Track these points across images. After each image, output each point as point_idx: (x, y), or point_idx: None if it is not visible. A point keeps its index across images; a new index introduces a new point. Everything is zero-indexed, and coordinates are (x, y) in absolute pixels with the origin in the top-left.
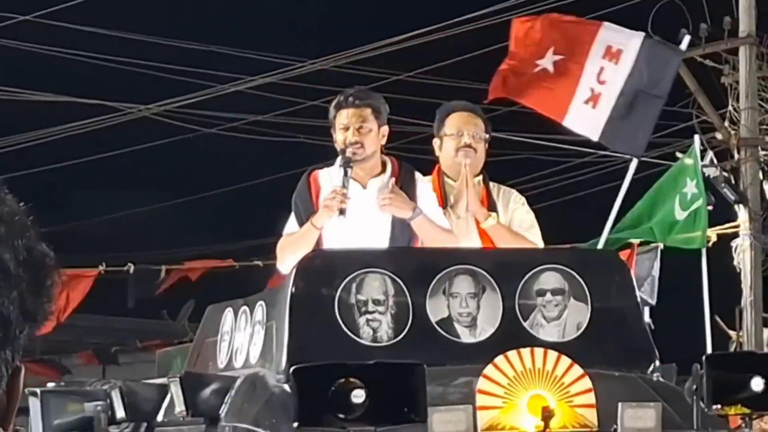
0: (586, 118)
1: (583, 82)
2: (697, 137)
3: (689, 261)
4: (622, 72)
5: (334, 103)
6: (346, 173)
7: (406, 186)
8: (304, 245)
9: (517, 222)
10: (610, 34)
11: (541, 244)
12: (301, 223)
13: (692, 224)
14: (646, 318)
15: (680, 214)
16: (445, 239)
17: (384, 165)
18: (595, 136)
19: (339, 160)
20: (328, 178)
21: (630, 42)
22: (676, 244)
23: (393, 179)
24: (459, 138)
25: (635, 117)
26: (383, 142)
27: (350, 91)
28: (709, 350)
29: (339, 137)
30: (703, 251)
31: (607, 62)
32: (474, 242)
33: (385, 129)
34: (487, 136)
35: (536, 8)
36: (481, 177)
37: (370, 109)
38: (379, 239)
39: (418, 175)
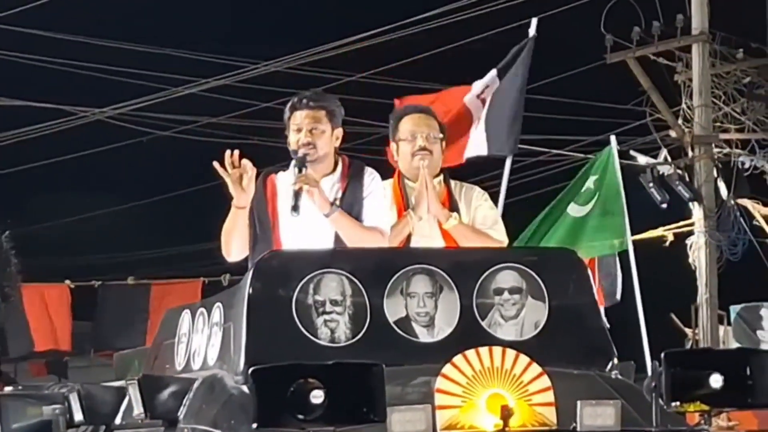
0: (473, 141)
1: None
2: (613, 138)
3: (645, 258)
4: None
5: (288, 105)
6: (300, 171)
7: (353, 183)
8: (235, 229)
9: (480, 219)
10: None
11: (505, 240)
12: (255, 228)
13: (604, 228)
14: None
15: (572, 208)
16: (368, 237)
17: (336, 164)
18: (484, 151)
19: (293, 160)
20: (284, 181)
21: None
22: (588, 254)
23: (342, 177)
24: (413, 142)
25: (503, 118)
26: (337, 144)
27: (305, 93)
28: (646, 351)
29: (292, 138)
30: (631, 252)
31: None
32: (437, 243)
33: (339, 131)
34: (442, 135)
35: (486, 8)
36: (441, 177)
37: (324, 111)
38: (327, 239)
39: (368, 170)
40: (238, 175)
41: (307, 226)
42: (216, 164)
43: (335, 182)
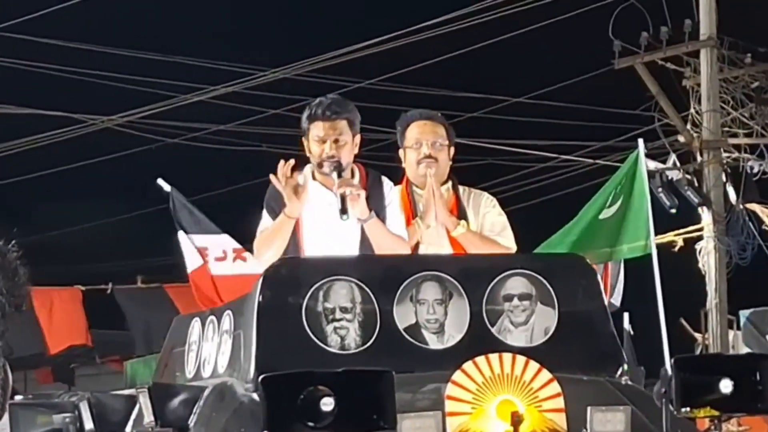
0: None
1: None
2: (641, 141)
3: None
4: None
5: (307, 114)
6: (339, 176)
7: (374, 192)
8: (279, 237)
9: (488, 226)
10: None
11: (513, 247)
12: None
13: (635, 232)
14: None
15: (603, 212)
16: (397, 245)
17: (353, 172)
18: None
19: (309, 167)
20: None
21: None
22: (614, 257)
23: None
24: (418, 149)
25: None
26: (356, 150)
27: (325, 101)
28: (666, 356)
29: (315, 149)
30: (654, 256)
31: None
32: (445, 251)
33: (359, 138)
34: (449, 142)
35: (494, 13)
36: (449, 184)
37: (346, 121)
38: (349, 245)
39: (385, 180)
40: (294, 185)
41: (328, 231)
42: (272, 176)
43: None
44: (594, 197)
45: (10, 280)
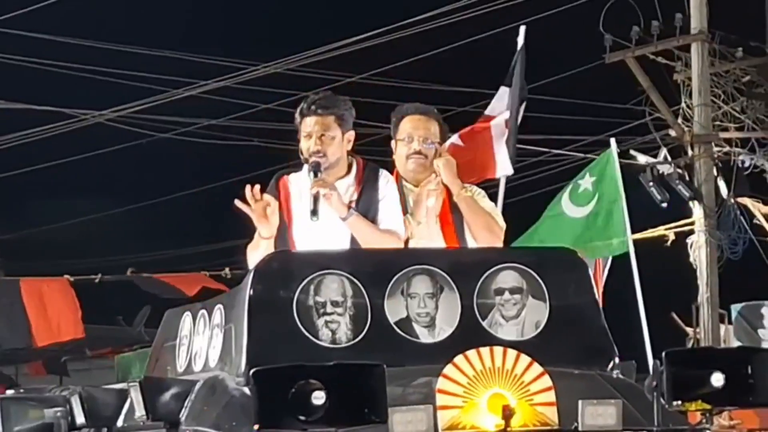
0: (500, 160)
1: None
2: (613, 140)
3: (646, 257)
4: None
5: (298, 110)
6: (316, 176)
7: (368, 186)
8: (260, 255)
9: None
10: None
11: (504, 226)
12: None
13: (611, 229)
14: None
15: (570, 209)
16: (385, 240)
17: (350, 167)
18: (510, 170)
19: (307, 165)
20: (296, 183)
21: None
22: (591, 255)
23: (357, 180)
24: (409, 144)
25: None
26: (349, 147)
27: (315, 97)
28: (648, 350)
29: (303, 145)
30: (631, 253)
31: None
32: (437, 245)
33: (351, 134)
34: (440, 139)
35: (486, 7)
36: (440, 178)
37: (334, 116)
38: (342, 241)
39: (383, 173)
40: (262, 208)
41: (322, 228)
42: (238, 201)
43: (350, 185)
44: (561, 195)
45: None
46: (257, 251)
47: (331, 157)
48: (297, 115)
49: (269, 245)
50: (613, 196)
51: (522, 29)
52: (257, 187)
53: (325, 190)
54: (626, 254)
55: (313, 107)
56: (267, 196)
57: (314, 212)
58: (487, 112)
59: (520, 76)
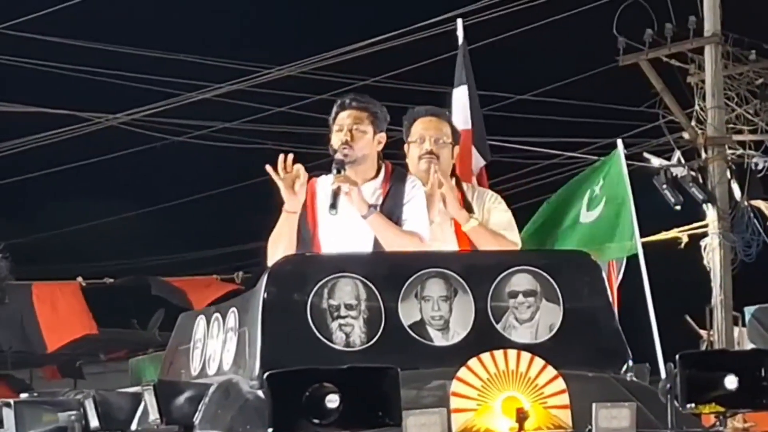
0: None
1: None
2: (620, 141)
3: (659, 260)
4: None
5: (334, 107)
6: (339, 172)
7: (394, 189)
8: (283, 234)
9: (494, 222)
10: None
11: (519, 243)
12: (299, 227)
13: (620, 232)
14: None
15: (585, 215)
16: (406, 241)
17: (379, 170)
18: (482, 160)
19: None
20: (324, 186)
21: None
22: (603, 257)
23: (384, 183)
24: (421, 145)
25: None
26: (379, 148)
27: (349, 94)
28: (659, 354)
29: (334, 139)
30: (640, 256)
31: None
32: (450, 247)
33: (382, 136)
34: (452, 140)
35: (500, 10)
36: (453, 181)
37: (367, 112)
38: (367, 243)
39: (411, 178)
40: (291, 180)
41: (347, 230)
42: (269, 168)
43: (377, 188)
44: (560, 195)
45: None
46: (278, 245)
47: (358, 152)
48: (332, 112)
49: (290, 242)
50: (620, 198)
51: (459, 21)
52: (290, 155)
53: (346, 186)
54: (638, 256)
55: (348, 101)
56: (299, 168)
57: (333, 206)
58: (461, 127)
59: (469, 71)
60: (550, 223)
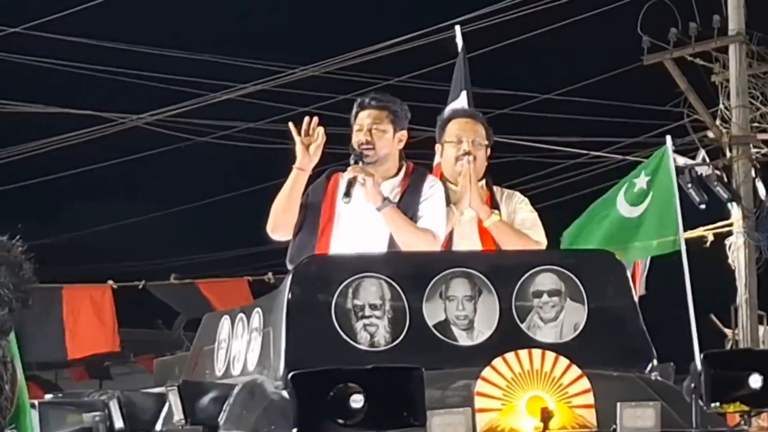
0: None
1: None
2: (669, 138)
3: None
4: None
5: (354, 106)
6: (356, 163)
7: (413, 187)
8: (288, 194)
9: (519, 221)
10: None
11: (544, 242)
12: (304, 216)
13: (664, 228)
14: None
15: (624, 208)
16: (420, 237)
17: (400, 169)
18: None
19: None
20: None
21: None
22: (644, 254)
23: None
24: (458, 145)
25: None
26: (400, 146)
27: (370, 94)
28: (696, 352)
29: (354, 138)
30: (683, 252)
31: None
32: (476, 245)
33: (403, 134)
34: (488, 141)
35: (521, 10)
36: (484, 182)
37: (387, 111)
38: (382, 238)
39: (430, 177)
40: (308, 143)
41: (361, 223)
42: (291, 125)
43: (395, 186)
44: (611, 193)
45: (16, 275)
46: (291, 197)
47: (379, 151)
48: (353, 112)
49: (302, 183)
50: (667, 195)
51: (458, 28)
52: (315, 119)
53: (361, 177)
54: (666, 254)
55: (367, 101)
56: (320, 130)
57: (347, 194)
58: None
59: (468, 79)
60: (593, 220)
